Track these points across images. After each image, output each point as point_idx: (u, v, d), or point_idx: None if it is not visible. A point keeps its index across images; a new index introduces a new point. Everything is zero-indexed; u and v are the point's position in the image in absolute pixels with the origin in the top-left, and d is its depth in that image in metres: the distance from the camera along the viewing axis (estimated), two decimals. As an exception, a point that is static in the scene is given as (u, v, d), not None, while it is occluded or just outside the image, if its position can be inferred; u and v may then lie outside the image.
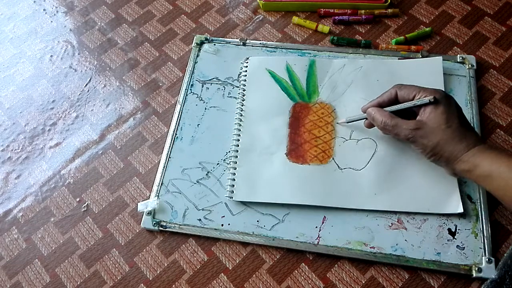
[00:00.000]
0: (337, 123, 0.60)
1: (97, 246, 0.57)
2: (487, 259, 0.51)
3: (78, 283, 0.55)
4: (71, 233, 0.58)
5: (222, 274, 0.54)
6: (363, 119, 0.57)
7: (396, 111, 0.53)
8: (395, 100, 0.53)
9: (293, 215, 0.55)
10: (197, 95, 0.65)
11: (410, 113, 0.53)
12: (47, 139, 0.65)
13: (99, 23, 0.76)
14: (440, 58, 0.63)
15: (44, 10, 0.78)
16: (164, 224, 0.56)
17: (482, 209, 0.54)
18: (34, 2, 0.80)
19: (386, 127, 0.52)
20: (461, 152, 0.48)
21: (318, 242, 0.54)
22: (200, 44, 0.70)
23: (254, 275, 0.54)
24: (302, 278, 0.53)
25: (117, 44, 0.73)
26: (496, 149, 0.48)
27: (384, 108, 0.54)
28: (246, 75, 0.65)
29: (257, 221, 0.55)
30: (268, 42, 0.69)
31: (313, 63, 0.65)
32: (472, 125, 0.59)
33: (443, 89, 0.61)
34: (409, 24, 0.70)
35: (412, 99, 0.51)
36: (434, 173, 0.55)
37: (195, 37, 0.70)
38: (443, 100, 0.50)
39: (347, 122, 0.59)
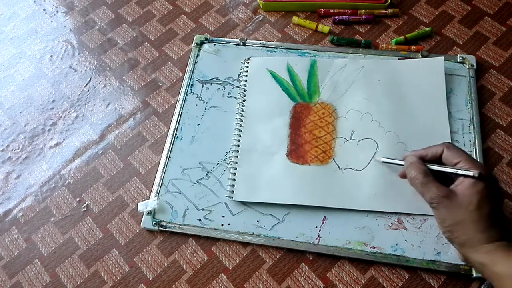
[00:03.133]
0: (374, 159, 0.57)
1: (97, 246, 0.57)
2: (487, 259, 0.51)
3: (78, 283, 0.55)
4: (71, 233, 0.58)
5: (222, 274, 0.54)
6: (399, 165, 0.53)
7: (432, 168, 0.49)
8: (439, 157, 0.49)
9: (293, 215, 0.55)
10: (197, 95, 0.65)
11: (447, 177, 0.48)
12: (47, 139, 0.65)
13: (99, 23, 0.76)
14: (442, 58, 0.63)
15: (44, 10, 0.78)
16: (164, 224, 0.56)
17: (482, 209, 0.54)
18: (34, 2, 0.80)
19: (415, 182, 0.48)
20: (480, 242, 0.43)
21: (318, 242, 0.54)
22: (200, 44, 0.70)
23: (254, 275, 0.54)
24: (302, 278, 0.53)
25: (117, 44, 0.73)
26: None
27: (427, 164, 0.49)
28: (247, 75, 0.65)
29: (257, 221, 0.55)
30: (268, 42, 0.69)
31: (314, 63, 0.65)
32: (472, 125, 0.59)
33: (444, 89, 0.61)
34: (409, 24, 0.70)
35: (454, 165, 0.47)
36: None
37: (195, 37, 0.70)
38: (486, 180, 0.45)
39: (382, 162, 0.55)
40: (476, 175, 0.44)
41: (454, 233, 0.45)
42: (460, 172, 0.46)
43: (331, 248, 0.53)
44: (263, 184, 0.57)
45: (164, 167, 0.60)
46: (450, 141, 0.57)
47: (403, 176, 0.53)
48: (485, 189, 0.44)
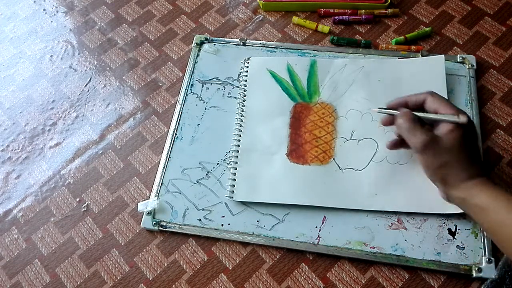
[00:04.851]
0: (370, 109, 0.59)
1: (97, 246, 0.57)
2: (487, 259, 0.51)
3: (78, 283, 0.55)
4: (71, 233, 0.58)
5: (222, 274, 0.54)
6: (392, 114, 0.53)
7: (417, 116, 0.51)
8: (421, 105, 0.51)
9: (293, 215, 0.55)
10: (197, 95, 0.65)
11: (429, 124, 0.51)
12: (47, 139, 0.65)
13: (99, 23, 0.76)
14: (442, 57, 0.63)
15: (44, 10, 0.78)
16: (164, 224, 0.56)
17: (482, 209, 0.54)
18: (34, 2, 0.80)
19: (401, 127, 0.51)
20: (462, 180, 0.47)
21: (318, 242, 0.54)
22: (200, 44, 0.70)
23: (254, 275, 0.54)
24: (302, 278, 0.53)
25: (117, 44, 0.73)
26: (497, 185, 0.47)
27: (417, 112, 0.51)
28: (247, 75, 0.65)
29: (257, 221, 0.55)
30: (268, 42, 0.69)
31: (314, 63, 0.65)
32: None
33: (445, 88, 0.61)
34: (409, 24, 0.70)
35: (435, 111, 0.49)
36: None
37: (195, 37, 0.70)
38: (467, 124, 0.48)
39: (378, 112, 0.55)
40: (465, 122, 0.47)
41: (438, 175, 0.49)
42: (449, 119, 0.48)
43: (331, 248, 0.53)
44: (263, 184, 0.57)
45: (164, 167, 0.60)
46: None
47: (386, 123, 0.54)
48: (466, 133, 0.48)
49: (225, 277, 0.54)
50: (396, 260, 0.52)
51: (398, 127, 0.52)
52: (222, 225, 0.56)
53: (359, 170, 0.57)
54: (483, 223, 0.47)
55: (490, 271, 0.51)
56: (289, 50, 0.68)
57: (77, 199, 0.60)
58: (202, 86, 0.66)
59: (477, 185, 0.47)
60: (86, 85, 0.70)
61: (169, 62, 0.70)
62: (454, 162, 0.47)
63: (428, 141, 0.48)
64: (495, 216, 0.45)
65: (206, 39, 0.70)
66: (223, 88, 0.65)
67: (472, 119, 0.60)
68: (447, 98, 0.60)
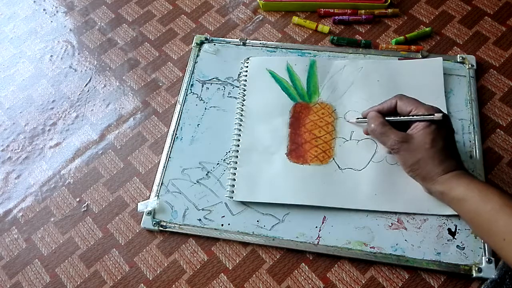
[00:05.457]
0: (347, 120, 0.60)
1: (97, 246, 0.57)
2: (487, 259, 0.51)
3: (78, 283, 0.55)
4: (71, 233, 0.58)
5: (222, 274, 0.54)
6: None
7: (392, 120, 0.53)
8: (394, 109, 0.54)
9: (293, 215, 0.55)
10: (197, 95, 0.65)
11: (405, 125, 0.52)
12: (47, 139, 0.66)
13: (99, 23, 0.76)
14: (440, 59, 0.63)
15: (44, 10, 0.78)
16: (164, 224, 0.56)
17: (482, 209, 0.54)
18: (34, 2, 0.80)
19: (375, 133, 0.53)
20: (438, 174, 0.49)
21: (318, 242, 0.54)
22: (200, 44, 0.70)
23: (254, 275, 0.54)
24: (302, 278, 0.53)
25: (117, 44, 0.73)
26: (472, 175, 0.49)
27: (386, 117, 0.54)
28: (246, 75, 0.65)
29: (257, 221, 0.56)
30: (268, 42, 0.69)
31: (313, 63, 0.65)
32: (472, 125, 0.60)
33: (443, 90, 0.61)
34: (409, 24, 0.70)
35: (408, 113, 0.51)
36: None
37: (195, 37, 0.70)
38: (440, 120, 0.49)
39: (356, 122, 0.59)
40: (440, 118, 0.49)
41: (415, 171, 0.51)
42: (420, 118, 0.50)
43: (331, 248, 0.53)
44: (263, 184, 0.57)
45: (164, 167, 0.60)
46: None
47: (367, 132, 0.57)
48: (437, 129, 0.49)
49: (225, 277, 0.54)
50: (396, 260, 0.52)
51: (371, 134, 0.54)
52: (222, 225, 0.56)
53: (359, 170, 0.57)
54: (461, 213, 0.49)
55: (490, 271, 0.51)
56: (289, 50, 0.68)
57: (77, 199, 0.60)
58: (202, 86, 0.66)
59: (454, 178, 0.48)
60: (86, 85, 0.70)
61: (169, 62, 0.70)
62: (428, 158, 0.49)
63: (401, 141, 0.50)
64: (470, 206, 0.46)
65: (206, 39, 0.70)
66: (223, 88, 0.65)
67: (472, 119, 0.60)
68: (444, 99, 0.60)
